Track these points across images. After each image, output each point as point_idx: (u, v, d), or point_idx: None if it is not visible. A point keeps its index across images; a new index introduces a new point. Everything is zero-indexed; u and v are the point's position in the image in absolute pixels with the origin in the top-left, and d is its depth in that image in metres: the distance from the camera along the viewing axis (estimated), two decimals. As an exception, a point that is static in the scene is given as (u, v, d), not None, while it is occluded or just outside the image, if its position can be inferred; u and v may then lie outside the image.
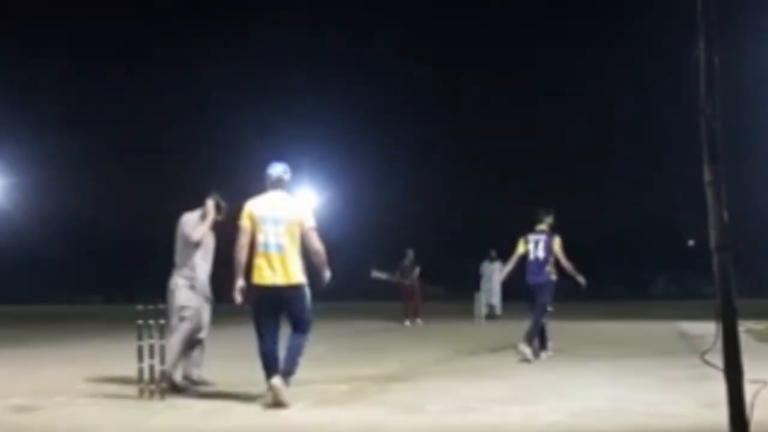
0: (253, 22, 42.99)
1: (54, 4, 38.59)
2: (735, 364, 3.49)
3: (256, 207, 6.11)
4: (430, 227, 36.21)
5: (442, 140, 42.30)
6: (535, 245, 9.47)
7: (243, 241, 6.04)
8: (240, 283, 6.01)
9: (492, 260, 19.62)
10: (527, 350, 9.02)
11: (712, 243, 3.60)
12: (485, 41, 42.40)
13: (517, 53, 40.37)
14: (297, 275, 6.01)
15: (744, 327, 10.00)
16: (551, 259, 9.40)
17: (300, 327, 6.05)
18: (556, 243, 9.44)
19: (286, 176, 6.21)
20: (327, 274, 6.18)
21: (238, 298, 6.04)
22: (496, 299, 19.33)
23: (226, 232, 6.47)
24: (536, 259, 9.44)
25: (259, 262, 6.00)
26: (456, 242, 37.13)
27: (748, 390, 3.52)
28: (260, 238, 6.00)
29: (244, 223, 6.08)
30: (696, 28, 3.58)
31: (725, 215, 3.59)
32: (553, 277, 9.47)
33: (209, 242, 6.99)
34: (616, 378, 7.52)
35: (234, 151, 37.70)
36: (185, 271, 6.80)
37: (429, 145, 42.10)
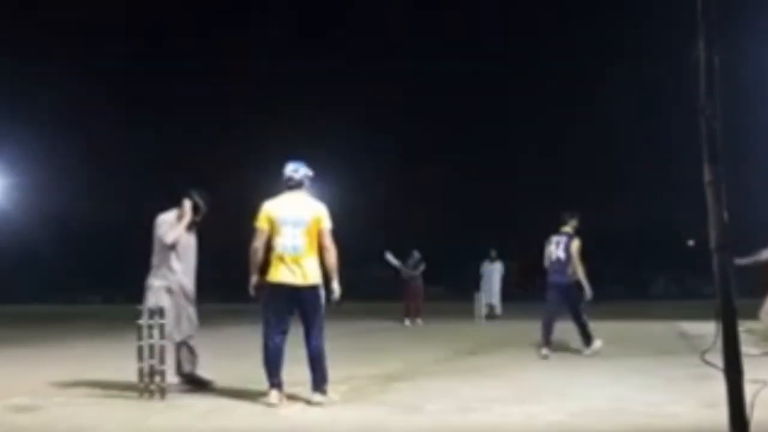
0: (252, 22, 42.95)
1: (55, 4, 38.55)
2: (735, 364, 3.49)
3: (274, 208, 6.09)
4: (430, 227, 36.22)
5: (441, 140, 42.29)
6: (556, 246, 9.84)
7: (258, 243, 6.05)
8: (254, 280, 6.04)
9: (492, 260, 19.66)
10: (596, 345, 9.64)
11: (712, 243, 3.60)
12: (483, 40, 42.37)
13: (515, 53, 40.35)
14: (314, 276, 6.04)
15: (744, 327, 9.99)
16: (572, 261, 9.74)
17: (314, 331, 6.04)
18: (574, 245, 9.77)
19: (297, 175, 6.15)
20: (336, 287, 6.17)
21: (252, 293, 6.06)
22: (496, 299, 19.36)
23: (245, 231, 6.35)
24: (557, 259, 9.81)
25: (277, 261, 6.02)
26: (456, 242, 37.16)
27: (748, 390, 3.52)
28: (278, 240, 6.01)
29: (262, 225, 6.06)
30: (696, 28, 3.58)
31: (725, 215, 3.59)
32: (575, 278, 9.79)
33: (189, 243, 6.81)
34: (616, 378, 7.52)
35: (239, 151, 37.72)
36: (162, 273, 6.65)
37: (429, 145, 42.09)
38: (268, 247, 6.06)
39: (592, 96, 36.47)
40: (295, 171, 6.17)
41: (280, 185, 6.23)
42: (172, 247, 6.64)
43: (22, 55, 35.43)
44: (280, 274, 5.99)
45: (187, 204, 6.75)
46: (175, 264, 6.67)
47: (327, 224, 6.11)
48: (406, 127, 40.76)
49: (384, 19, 40.15)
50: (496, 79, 40.98)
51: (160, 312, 6.35)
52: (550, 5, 38.42)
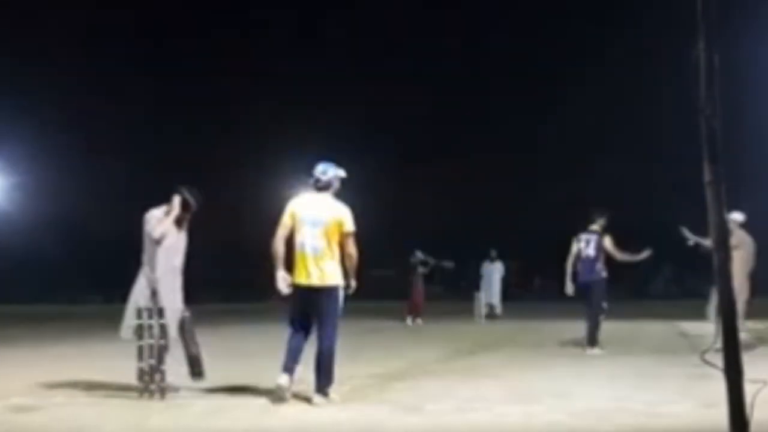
0: (252, 22, 42.92)
1: (56, 4, 38.52)
2: (735, 364, 3.48)
3: (298, 207, 6.19)
4: (430, 227, 36.22)
5: (441, 140, 42.26)
6: (586, 244, 10.02)
7: (279, 233, 6.13)
8: (281, 273, 6.07)
9: (492, 260, 19.69)
10: (594, 351, 9.69)
11: (712, 242, 3.60)
12: (483, 40, 42.35)
13: (515, 53, 40.31)
14: (331, 277, 6.07)
15: (744, 327, 10.02)
16: (602, 258, 9.93)
17: (327, 330, 6.06)
18: (607, 241, 10.00)
19: (325, 177, 6.19)
20: (352, 284, 6.26)
21: (284, 288, 6.07)
22: (496, 299, 19.39)
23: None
24: (587, 257, 9.99)
25: (297, 262, 6.10)
26: (456, 242, 37.18)
27: (748, 390, 3.51)
28: (298, 238, 6.10)
29: (286, 219, 6.16)
30: (696, 28, 3.58)
31: (725, 215, 3.59)
32: (604, 274, 10.00)
33: (177, 240, 6.71)
34: (616, 378, 7.52)
35: (239, 151, 37.70)
36: (147, 270, 6.60)
37: (429, 145, 42.07)
38: (292, 246, 6.13)
39: (591, 96, 36.45)
40: (324, 173, 6.22)
41: (308, 186, 6.30)
42: (159, 242, 6.57)
43: (23, 55, 35.43)
44: (299, 275, 6.08)
45: (176, 199, 6.69)
46: (161, 260, 6.58)
47: (349, 228, 6.14)
48: (406, 127, 40.75)
49: (384, 19, 40.14)
50: (495, 80, 40.97)
51: (159, 312, 6.34)
52: (549, 5, 38.40)
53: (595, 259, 9.91)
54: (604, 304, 10.00)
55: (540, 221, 38.75)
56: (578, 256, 10.05)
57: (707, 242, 9.76)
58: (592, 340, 9.87)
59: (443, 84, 41.29)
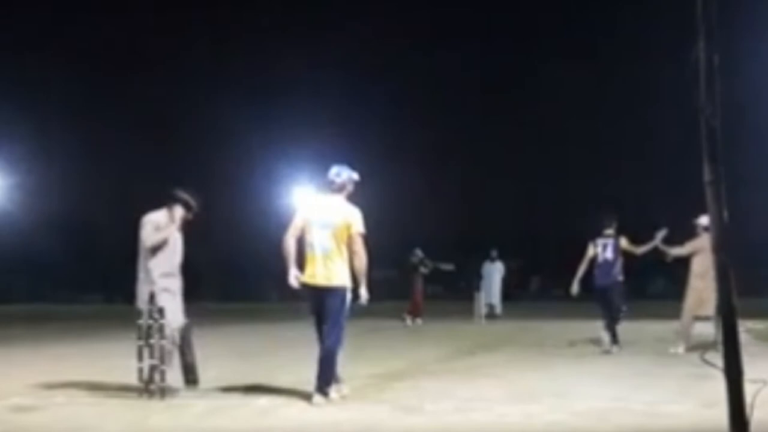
0: (251, 25, 42.91)
1: (56, 6, 38.57)
2: (735, 364, 3.48)
3: (308, 209, 6.27)
4: (430, 227, 36.23)
5: (442, 141, 42.25)
6: (603, 248, 10.19)
7: (289, 234, 6.18)
8: (293, 271, 6.13)
9: (493, 260, 19.70)
10: (609, 347, 9.78)
11: (712, 242, 3.60)
12: (484, 42, 42.37)
13: (514, 54, 40.36)
14: (338, 278, 6.10)
15: (744, 327, 10.03)
16: (619, 262, 10.14)
17: (331, 330, 6.08)
18: (623, 242, 10.21)
19: (338, 179, 6.25)
20: (364, 293, 6.30)
21: (295, 283, 6.13)
22: (496, 299, 19.39)
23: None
24: (605, 261, 10.15)
25: (306, 262, 6.16)
26: (456, 242, 37.18)
27: (748, 390, 3.51)
28: (308, 239, 6.16)
29: (297, 220, 6.23)
30: (696, 28, 3.58)
31: (725, 215, 3.59)
32: (621, 278, 10.21)
33: (173, 242, 6.69)
34: (616, 378, 7.51)
35: (239, 151, 37.76)
36: (143, 276, 6.59)
37: (430, 145, 42.07)
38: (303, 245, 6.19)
39: (591, 96, 36.48)
40: (337, 175, 6.28)
41: (323, 187, 6.35)
42: (154, 249, 6.57)
43: (23, 55, 35.46)
44: (308, 275, 6.13)
45: (178, 212, 6.68)
46: (160, 263, 6.57)
47: (357, 229, 6.17)
48: (406, 128, 40.79)
49: (383, 21, 40.15)
50: (495, 81, 40.98)
51: (160, 312, 6.34)
52: (549, 5, 38.43)
53: (613, 263, 10.09)
54: (624, 307, 10.21)
55: (540, 221, 38.79)
56: (595, 261, 10.20)
57: (673, 251, 9.97)
58: (615, 338, 9.96)
59: (444, 86, 41.35)
